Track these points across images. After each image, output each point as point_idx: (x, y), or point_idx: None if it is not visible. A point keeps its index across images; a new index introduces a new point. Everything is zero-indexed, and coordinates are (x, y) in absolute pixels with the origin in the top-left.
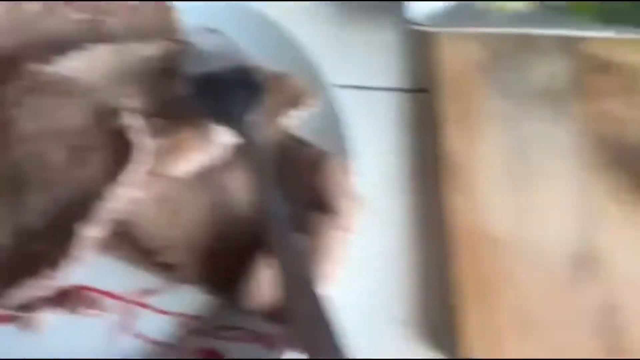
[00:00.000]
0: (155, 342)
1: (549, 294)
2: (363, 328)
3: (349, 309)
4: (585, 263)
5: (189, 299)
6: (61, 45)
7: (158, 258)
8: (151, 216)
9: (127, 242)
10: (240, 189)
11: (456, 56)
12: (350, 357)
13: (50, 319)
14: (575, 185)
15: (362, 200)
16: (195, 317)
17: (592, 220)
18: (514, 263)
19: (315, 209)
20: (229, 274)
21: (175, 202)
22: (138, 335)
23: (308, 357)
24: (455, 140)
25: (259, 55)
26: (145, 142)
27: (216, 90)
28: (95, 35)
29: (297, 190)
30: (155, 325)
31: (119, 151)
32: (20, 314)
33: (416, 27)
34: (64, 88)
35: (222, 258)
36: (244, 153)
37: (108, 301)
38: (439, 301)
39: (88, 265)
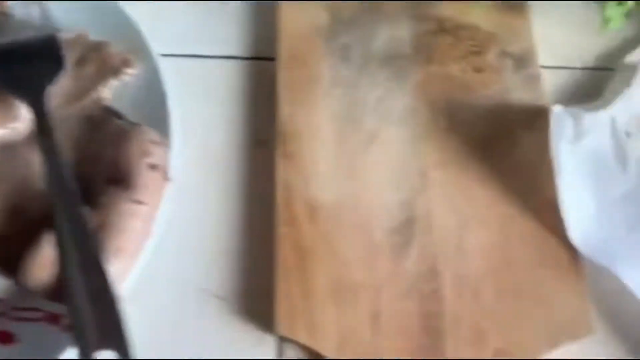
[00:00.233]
0: None
1: (368, 260)
2: (178, 303)
3: (163, 283)
4: (406, 229)
5: None
6: None
7: None
8: None
9: None
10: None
11: (297, 21)
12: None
13: None
14: (406, 151)
15: (168, 174)
16: None
17: (417, 187)
18: (335, 231)
19: (114, 184)
20: (19, 252)
21: None
22: None
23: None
24: (290, 108)
25: (79, 24)
26: None
27: (16, 62)
28: None
29: (102, 164)
30: None
31: None
32: None
33: None
34: None
35: (15, 236)
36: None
37: None
38: (260, 274)
39: None
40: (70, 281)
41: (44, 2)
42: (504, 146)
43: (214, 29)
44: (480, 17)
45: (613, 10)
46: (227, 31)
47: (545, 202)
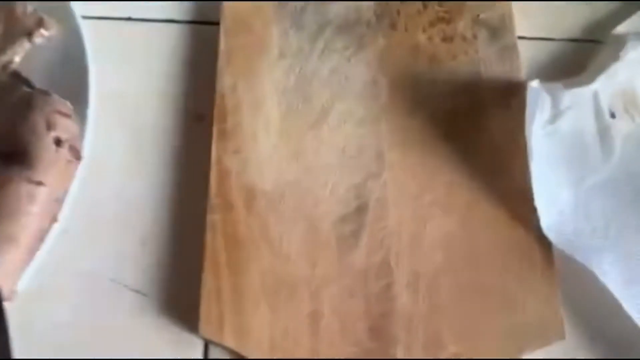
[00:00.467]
0: None
1: (311, 253)
2: (90, 299)
3: (72, 276)
4: (356, 218)
5: None
6: None
7: None
8: None
9: None
10: None
11: None
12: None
13: None
14: (361, 130)
15: (79, 150)
16: None
17: (371, 170)
18: (275, 220)
19: (11, 160)
20: None
21: None
22: None
23: None
24: (232, 79)
25: None
26: None
27: None
28: None
29: (4, 137)
30: None
31: None
32: None
33: None
34: None
35: None
36: None
37: None
38: (187, 267)
39: None
40: None
41: None
42: (472, 125)
43: None
44: None
45: None
46: None
47: (515, 188)
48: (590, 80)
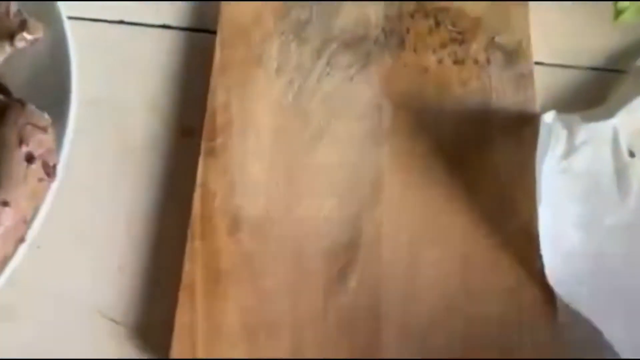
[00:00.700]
0: None
1: (295, 290)
2: (60, 326)
3: (42, 300)
4: (347, 253)
5: None
6: None
7: None
8: None
9: None
10: None
11: None
12: None
13: None
14: (359, 154)
15: (52, 167)
16: None
17: (367, 199)
18: (260, 251)
19: None
20: None
21: None
22: None
23: None
24: (225, 94)
25: None
26: None
27: None
28: None
29: None
30: None
31: None
32: None
33: None
34: None
35: None
36: None
37: None
38: (165, 297)
39: None
40: None
41: None
42: (479, 158)
43: None
44: None
45: None
46: None
47: (520, 230)
48: (610, 114)
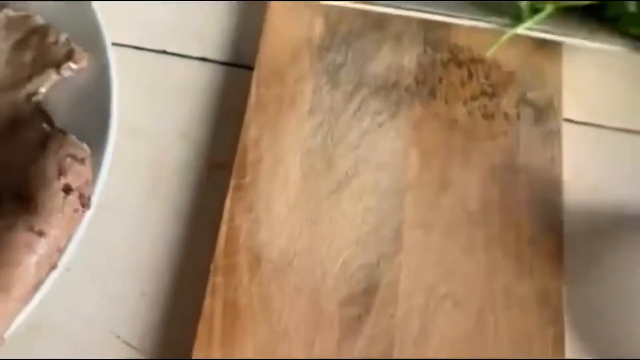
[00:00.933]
0: None
1: (310, 334)
2: (80, 348)
3: (66, 322)
4: (364, 301)
5: None
6: None
7: None
8: None
9: None
10: None
11: (285, 27)
12: None
13: None
14: (383, 204)
15: (87, 199)
16: None
17: (387, 250)
18: (279, 292)
19: (17, 201)
20: None
21: None
22: None
23: None
24: (258, 131)
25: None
26: None
27: None
28: None
29: (10, 174)
30: None
31: None
32: None
33: None
34: None
35: None
36: None
37: None
38: (184, 328)
39: None
40: None
41: None
42: (502, 216)
43: (191, 25)
44: (502, 52)
45: None
46: (205, 29)
47: (536, 290)
48: None
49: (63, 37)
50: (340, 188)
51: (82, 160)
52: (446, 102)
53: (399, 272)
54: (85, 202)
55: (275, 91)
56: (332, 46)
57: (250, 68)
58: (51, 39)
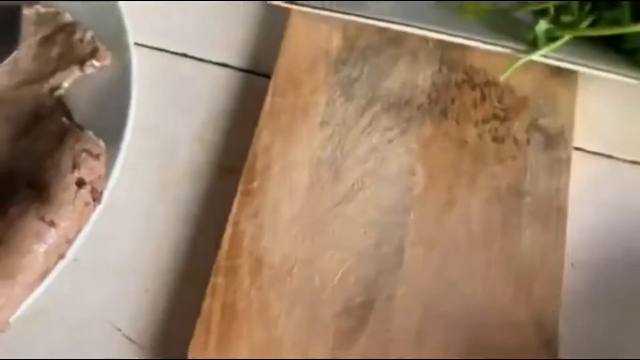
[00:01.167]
0: None
1: (304, 342)
2: (78, 337)
3: (73, 307)
4: (360, 313)
5: None
6: None
7: None
8: None
9: None
10: None
11: (304, 39)
12: None
13: None
14: (387, 218)
15: (99, 193)
16: None
17: (387, 265)
18: (277, 297)
19: (31, 190)
20: None
21: None
22: None
23: None
24: (270, 138)
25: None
26: None
27: None
28: None
29: (27, 164)
30: None
31: None
32: None
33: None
34: None
35: None
36: None
37: None
38: (184, 325)
39: None
40: None
41: None
42: (503, 240)
43: (214, 31)
44: (517, 76)
45: None
46: (228, 36)
47: (530, 317)
48: None
49: (89, 35)
50: (345, 200)
51: (97, 156)
52: (457, 122)
53: (397, 287)
54: (96, 197)
55: (289, 100)
56: (349, 60)
57: (268, 76)
58: (77, 36)
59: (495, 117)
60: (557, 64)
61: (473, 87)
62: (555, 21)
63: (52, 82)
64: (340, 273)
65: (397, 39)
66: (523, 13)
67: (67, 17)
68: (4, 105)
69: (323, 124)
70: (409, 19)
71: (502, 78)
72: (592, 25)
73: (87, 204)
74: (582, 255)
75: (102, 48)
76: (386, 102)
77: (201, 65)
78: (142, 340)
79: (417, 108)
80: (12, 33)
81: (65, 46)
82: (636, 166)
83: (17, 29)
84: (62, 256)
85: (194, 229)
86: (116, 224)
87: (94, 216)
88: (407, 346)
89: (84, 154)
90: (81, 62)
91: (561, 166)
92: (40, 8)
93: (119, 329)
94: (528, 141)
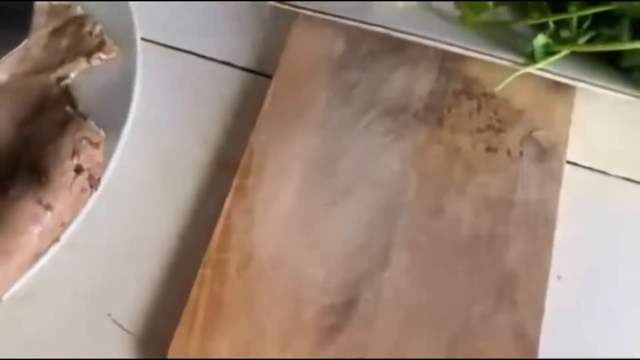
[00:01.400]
0: None
1: (286, 337)
2: (69, 320)
3: (66, 290)
4: (343, 312)
5: None
6: None
7: None
8: None
9: None
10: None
11: (307, 42)
12: None
13: None
14: (375, 221)
15: (96, 180)
16: None
17: (373, 266)
18: (262, 292)
19: (31, 173)
20: None
21: None
22: None
23: None
24: (266, 137)
25: None
26: None
27: None
28: None
29: (29, 149)
30: None
31: None
32: None
33: (274, 2)
34: None
35: None
36: None
37: None
38: (170, 314)
39: None
40: None
41: None
42: (489, 247)
43: (220, 31)
44: (514, 88)
45: None
46: (233, 36)
47: (510, 327)
48: None
49: (98, 29)
50: (336, 200)
51: (96, 145)
52: (452, 131)
53: (381, 289)
54: (93, 184)
55: (289, 101)
56: (350, 65)
57: (271, 77)
58: (87, 29)
59: (490, 127)
60: (554, 78)
61: (470, 97)
62: (554, 36)
63: (60, 72)
64: (325, 272)
65: (399, 46)
66: (523, 26)
67: (79, 10)
68: (12, 91)
69: (320, 126)
70: (411, 27)
71: (497, 89)
72: (591, 41)
73: (84, 190)
74: (569, 269)
75: (109, 42)
76: (383, 108)
77: (205, 63)
78: (131, 326)
79: (414, 115)
80: (24, 22)
81: (75, 38)
82: (628, 183)
83: (29, 19)
84: (56, 240)
85: (189, 222)
86: (113, 213)
87: (90, 203)
88: (388, 347)
89: (84, 142)
90: (89, 54)
91: (553, 179)
92: (53, 0)
93: (109, 314)
94: (521, 153)
